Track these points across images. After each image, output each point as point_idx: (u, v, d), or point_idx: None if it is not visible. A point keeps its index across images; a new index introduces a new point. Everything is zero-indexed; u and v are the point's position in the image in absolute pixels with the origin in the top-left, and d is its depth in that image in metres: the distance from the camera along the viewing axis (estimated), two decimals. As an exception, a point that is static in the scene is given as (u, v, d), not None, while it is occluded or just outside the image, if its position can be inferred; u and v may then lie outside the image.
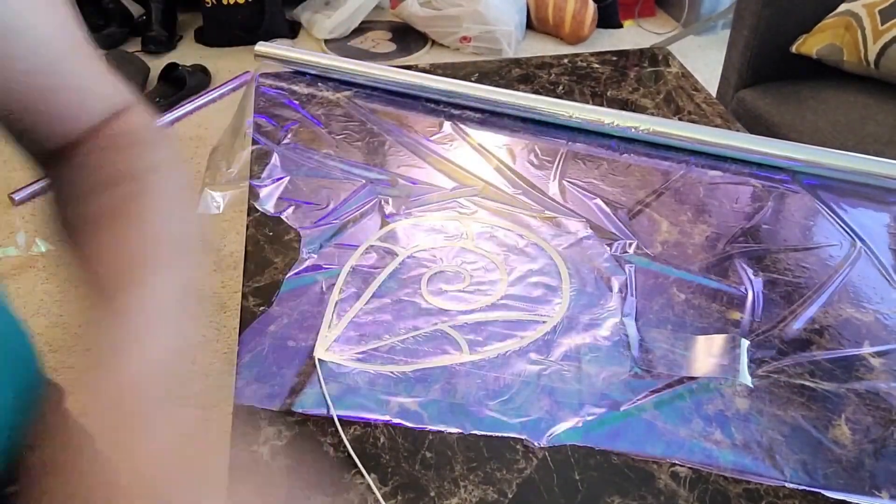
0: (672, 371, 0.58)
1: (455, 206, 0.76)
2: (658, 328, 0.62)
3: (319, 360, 0.59)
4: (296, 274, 0.67)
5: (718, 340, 0.61)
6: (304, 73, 0.98)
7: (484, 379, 0.57)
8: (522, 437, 0.53)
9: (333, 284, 0.66)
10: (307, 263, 0.68)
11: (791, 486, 0.50)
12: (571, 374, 0.58)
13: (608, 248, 0.70)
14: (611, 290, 0.66)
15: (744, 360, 0.59)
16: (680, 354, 0.60)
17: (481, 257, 0.69)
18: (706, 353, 0.60)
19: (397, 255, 0.69)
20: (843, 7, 1.38)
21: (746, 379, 0.58)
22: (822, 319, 0.63)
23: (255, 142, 0.85)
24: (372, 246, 0.70)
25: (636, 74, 1.01)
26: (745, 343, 0.61)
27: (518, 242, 0.71)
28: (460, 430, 0.53)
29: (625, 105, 0.94)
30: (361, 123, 0.89)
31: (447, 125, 0.89)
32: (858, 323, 0.63)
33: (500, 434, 0.53)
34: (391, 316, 0.63)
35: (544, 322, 0.62)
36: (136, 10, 2.53)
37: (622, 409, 0.55)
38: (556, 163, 0.83)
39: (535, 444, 0.53)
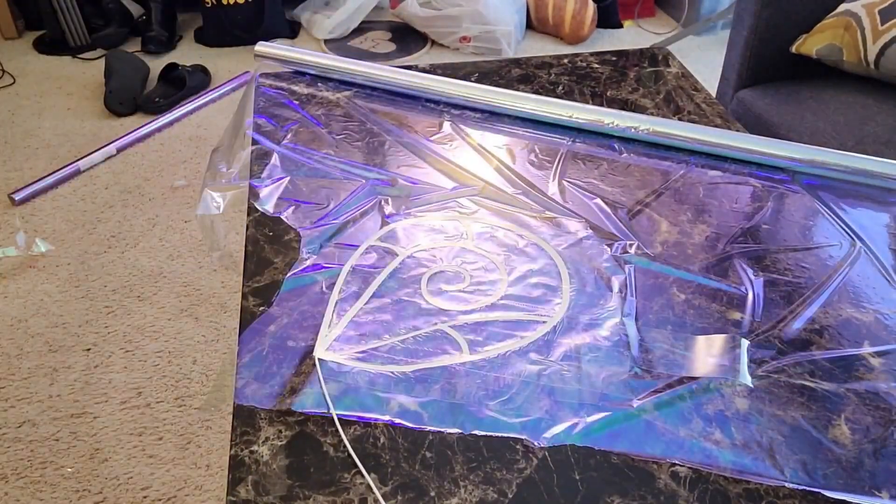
0: (672, 371, 0.58)
1: (455, 206, 0.76)
2: (658, 328, 0.62)
3: (319, 359, 0.59)
4: (295, 274, 0.67)
5: (718, 340, 0.61)
6: (304, 73, 0.98)
7: (484, 379, 0.57)
8: (522, 437, 0.53)
9: (333, 284, 0.66)
10: (307, 263, 0.68)
11: (791, 485, 0.50)
12: (571, 375, 0.58)
13: (608, 248, 0.70)
14: (611, 290, 0.66)
15: (744, 360, 0.59)
16: (680, 354, 0.60)
17: (481, 257, 0.69)
18: (706, 354, 0.60)
19: (397, 255, 0.69)
20: (842, 7, 1.38)
21: (746, 379, 0.58)
22: (821, 319, 0.63)
23: (255, 142, 0.85)
24: (372, 246, 0.70)
25: (636, 74, 1.01)
26: (745, 343, 0.61)
27: (518, 242, 0.71)
28: (460, 431, 0.53)
29: (625, 105, 0.94)
30: (361, 123, 0.89)
31: (447, 125, 0.89)
32: (858, 323, 0.63)
33: (500, 434, 0.53)
34: (391, 316, 0.63)
35: (544, 322, 0.62)
36: (135, 10, 2.53)
37: (622, 409, 0.55)
38: (556, 163, 0.83)
39: (535, 444, 0.53)
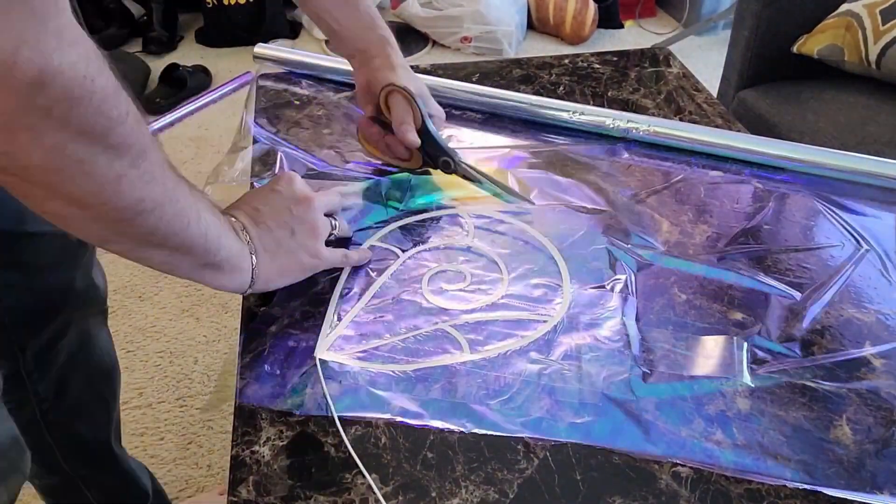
0: (673, 371, 0.58)
1: (456, 205, 0.76)
2: (659, 328, 0.62)
3: (320, 359, 0.59)
4: None
5: (719, 340, 0.61)
6: (305, 74, 0.98)
7: (485, 378, 0.57)
8: (523, 436, 0.53)
9: (335, 284, 0.66)
10: None
11: (792, 486, 0.50)
12: (572, 374, 0.58)
13: (609, 247, 0.70)
14: (611, 290, 0.66)
15: (745, 360, 0.59)
16: (681, 354, 0.60)
17: (482, 256, 0.69)
18: (707, 353, 0.60)
19: (398, 255, 0.69)
20: (843, 7, 1.38)
21: (747, 379, 0.58)
22: (823, 320, 0.63)
23: (255, 140, 0.85)
24: (372, 246, 0.70)
25: (637, 75, 1.01)
26: (746, 344, 0.61)
27: (519, 242, 0.71)
28: (461, 430, 0.53)
29: (625, 105, 0.94)
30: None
31: (448, 125, 0.89)
32: (860, 323, 0.63)
33: (501, 434, 0.53)
34: (392, 315, 0.63)
35: (545, 321, 0.62)
36: (136, 10, 2.53)
37: (623, 408, 0.55)
38: (557, 163, 0.82)
39: (537, 443, 0.53)
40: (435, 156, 0.76)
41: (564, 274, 0.67)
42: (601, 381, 0.57)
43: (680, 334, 0.62)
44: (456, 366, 0.58)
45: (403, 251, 0.70)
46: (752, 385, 0.57)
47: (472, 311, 0.64)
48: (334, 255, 0.65)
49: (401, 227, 0.73)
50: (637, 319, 0.63)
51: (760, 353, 0.60)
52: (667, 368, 0.58)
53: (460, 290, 0.66)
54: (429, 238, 0.71)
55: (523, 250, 0.70)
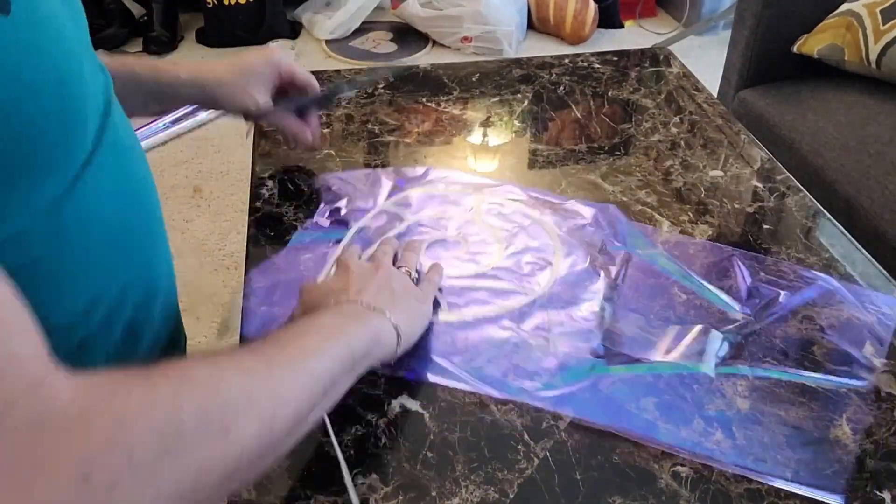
0: (634, 353, 0.59)
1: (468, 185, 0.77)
2: (635, 313, 0.63)
3: None
4: (305, 230, 0.70)
5: (693, 330, 0.61)
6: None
7: (454, 336, 0.60)
8: (477, 392, 0.56)
9: (339, 243, 0.69)
10: (318, 225, 0.71)
11: (792, 485, 0.50)
12: (537, 344, 0.60)
13: (608, 240, 0.70)
14: (598, 275, 0.66)
15: (711, 349, 0.59)
16: (647, 339, 0.61)
17: (484, 230, 0.71)
18: (675, 341, 0.60)
19: (404, 220, 0.72)
20: (844, 7, 1.38)
21: (709, 369, 0.58)
22: (823, 319, 0.63)
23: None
24: (383, 210, 0.73)
25: (637, 74, 1.01)
26: (717, 335, 0.61)
27: (522, 221, 0.73)
28: (407, 374, 0.56)
29: (626, 105, 0.94)
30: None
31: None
32: (860, 323, 0.63)
33: (457, 386, 0.53)
34: None
35: (525, 294, 0.64)
36: (137, 10, 2.53)
37: (579, 380, 0.57)
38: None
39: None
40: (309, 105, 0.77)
41: (557, 254, 0.68)
42: (562, 354, 0.59)
43: (654, 321, 0.62)
44: (430, 322, 0.61)
45: (411, 216, 0.73)
46: (713, 375, 0.57)
47: (460, 276, 0.66)
48: (427, 288, 0.62)
49: (414, 195, 0.76)
50: (615, 304, 0.63)
51: (760, 353, 0.60)
52: (629, 351, 0.59)
53: (454, 257, 0.68)
54: (438, 208, 0.74)
55: (524, 228, 0.72)
